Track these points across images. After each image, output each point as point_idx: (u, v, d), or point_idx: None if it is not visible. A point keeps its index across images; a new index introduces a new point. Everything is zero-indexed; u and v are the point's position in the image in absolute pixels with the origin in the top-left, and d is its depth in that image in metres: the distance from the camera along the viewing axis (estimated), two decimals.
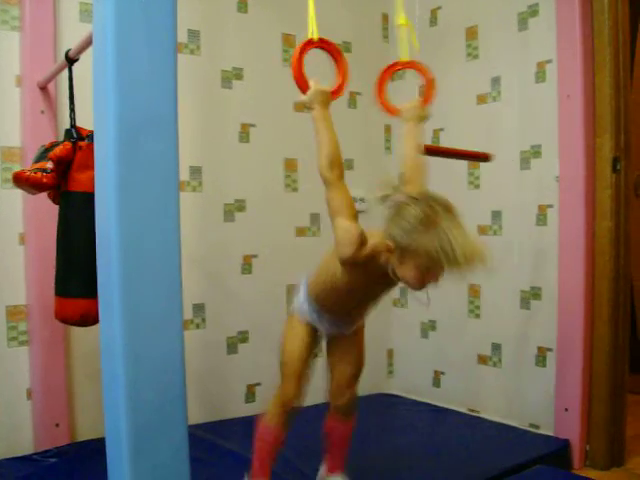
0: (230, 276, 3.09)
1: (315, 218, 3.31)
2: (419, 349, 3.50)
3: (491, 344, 3.11)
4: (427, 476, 2.37)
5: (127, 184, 1.30)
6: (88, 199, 2.03)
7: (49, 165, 2.04)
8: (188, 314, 2.93)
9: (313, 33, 1.94)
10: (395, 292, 3.61)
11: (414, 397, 3.45)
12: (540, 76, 2.87)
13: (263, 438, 2.06)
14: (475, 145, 2.80)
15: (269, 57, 3.19)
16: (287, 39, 3.22)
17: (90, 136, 2.11)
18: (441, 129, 3.30)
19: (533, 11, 2.89)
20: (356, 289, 1.90)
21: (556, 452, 2.61)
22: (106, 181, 1.31)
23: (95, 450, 2.46)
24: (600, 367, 2.65)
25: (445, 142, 3.23)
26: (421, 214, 1.65)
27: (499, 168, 3.01)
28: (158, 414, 1.35)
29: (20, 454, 2.49)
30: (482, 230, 3.13)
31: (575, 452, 2.65)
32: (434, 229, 1.63)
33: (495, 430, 2.87)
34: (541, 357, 2.88)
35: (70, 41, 2.46)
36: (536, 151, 2.88)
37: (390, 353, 3.67)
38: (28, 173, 2.04)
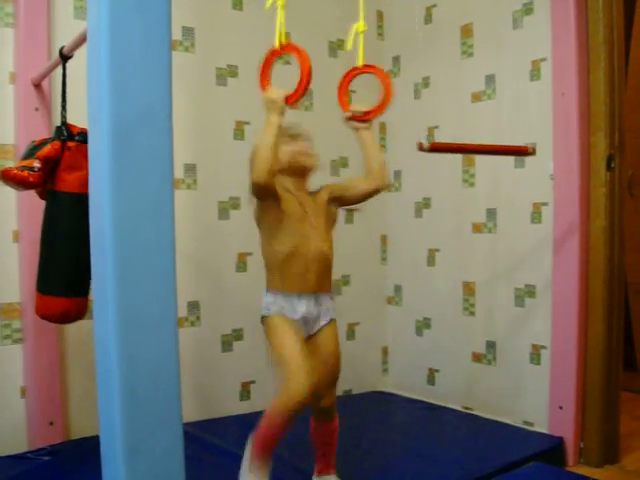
0: (225, 274, 3.09)
1: None
2: (414, 347, 3.50)
3: (486, 342, 3.11)
4: (422, 474, 2.37)
5: (121, 181, 1.30)
6: (73, 200, 2.06)
7: (36, 164, 2.05)
8: (183, 312, 2.93)
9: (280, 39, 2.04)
10: (389, 290, 3.61)
11: (409, 395, 3.46)
12: (535, 74, 2.87)
13: (267, 438, 2.03)
14: (469, 143, 2.81)
15: (264, 54, 3.18)
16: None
17: (81, 134, 2.10)
18: (436, 127, 3.30)
19: (528, 9, 2.89)
20: (295, 230, 2.04)
21: (550, 449, 2.62)
22: (100, 178, 1.31)
23: (89, 448, 2.44)
24: (594, 365, 2.65)
25: (439, 140, 3.23)
26: None
27: (493, 166, 3.01)
28: (153, 412, 1.35)
29: (14, 452, 2.48)
30: (477, 228, 3.14)
31: (569, 449, 2.66)
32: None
33: (489, 428, 2.88)
34: (535, 355, 2.89)
35: (64, 38, 2.45)
36: (532, 147, 2.88)
37: (385, 351, 3.68)
38: (15, 171, 2.04)
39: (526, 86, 2.90)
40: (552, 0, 2.71)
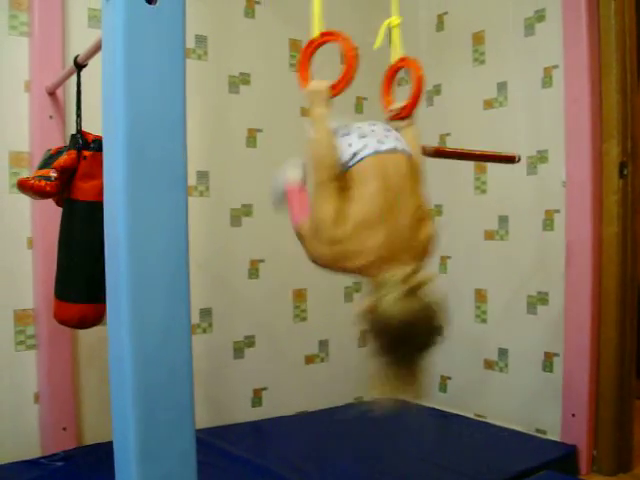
0: (237, 281, 3.10)
1: None
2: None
3: (498, 349, 3.10)
4: None
5: (136, 189, 1.30)
6: (90, 208, 2.08)
7: (53, 174, 2.07)
8: (195, 319, 2.94)
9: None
10: None
11: (421, 402, 3.44)
12: (547, 81, 2.87)
13: None
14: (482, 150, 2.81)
15: (276, 62, 3.20)
16: (294, 44, 3.23)
17: (96, 142, 2.12)
18: (447, 134, 3.30)
19: (540, 16, 2.89)
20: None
21: (563, 457, 2.60)
22: (115, 186, 1.32)
23: (102, 454, 2.47)
24: (607, 372, 2.64)
25: (451, 147, 3.23)
26: (407, 325, 1.56)
27: (506, 173, 3.01)
28: (166, 418, 1.36)
29: (27, 458, 2.49)
30: (489, 235, 3.13)
31: (582, 457, 2.65)
32: (400, 345, 1.58)
33: (502, 435, 2.87)
34: (548, 362, 2.88)
35: (78, 47, 2.47)
36: (543, 156, 2.88)
37: None
38: (32, 181, 2.07)
39: (538, 93, 2.90)
40: (564, 7, 2.71)
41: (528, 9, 2.93)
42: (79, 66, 2.19)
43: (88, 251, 2.11)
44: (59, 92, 2.55)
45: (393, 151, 1.72)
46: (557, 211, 2.82)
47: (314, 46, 1.95)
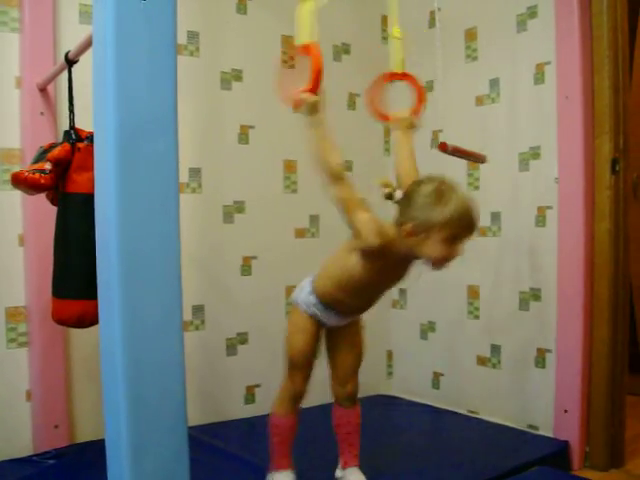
0: (229, 277, 3.09)
1: (314, 219, 3.32)
2: (418, 350, 3.50)
3: (490, 345, 3.11)
4: (426, 477, 2.37)
5: (127, 186, 1.30)
6: (86, 201, 2.04)
7: (47, 166, 2.05)
8: (187, 315, 2.93)
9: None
10: (394, 293, 3.61)
11: (413, 398, 3.45)
12: (539, 77, 2.87)
13: (278, 431, 2.16)
14: (473, 147, 2.80)
15: (268, 58, 3.19)
16: (286, 40, 3.22)
17: (89, 137, 2.11)
18: (440, 130, 3.30)
19: (532, 13, 2.89)
20: (375, 280, 1.97)
21: (555, 453, 2.61)
22: (106, 182, 1.31)
23: (95, 452, 2.46)
24: (599, 368, 2.65)
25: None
26: (433, 189, 1.79)
27: (498, 170, 3.01)
28: (158, 415, 1.35)
29: (19, 456, 2.49)
30: (481, 231, 3.13)
31: (574, 453, 2.65)
32: (450, 199, 1.76)
33: (494, 431, 2.87)
34: (540, 358, 2.88)
35: (69, 42, 2.46)
36: (535, 152, 2.89)
37: (389, 354, 3.67)
38: (26, 174, 2.04)
39: (530, 89, 2.91)
40: (556, 4, 2.71)
41: (520, 5, 2.93)
42: (70, 62, 2.18)
43: (84, 244, 2.05)
44: (50, 88, 2.54)
45: None
46: (549, 207, 2.83)
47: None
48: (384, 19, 3.60)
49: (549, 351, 2.84)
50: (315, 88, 1.88)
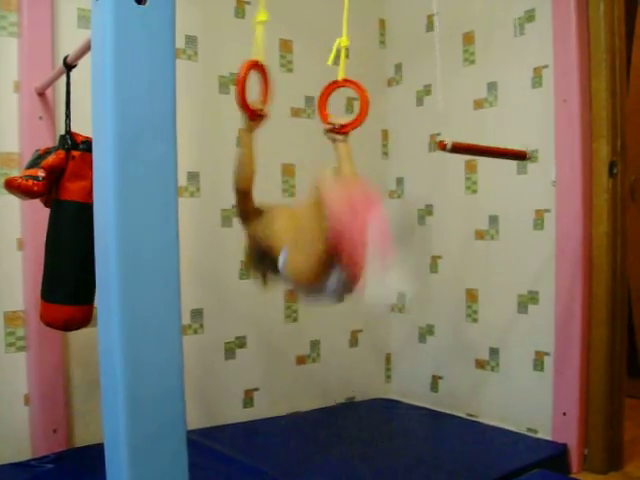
0: (228, 281, 3.09)
1: None
2: (417, 354, 3.50)
3: (489, 348, 3.11)
4: None
5: (126, 189, 1.30)
6: (78, 209, 2.06)
7: (41, 173, 2.05)
8: (186, 319, 2.93)
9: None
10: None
11: (412, 402, 3.45)
12: (537, 81, 2.88)
13: None
14: None
15: (266, 62, 3.19)
16: (284, 44, 3.23)
17: (85, 143, 2.11)
18: (438, 134, 3.30)
19: (530, 16, 2.90)
20: None
21: (554, 456, 2.61)
22: (105, 186, 1.32)
23: (93, 456, 2.46)
24: (598, 371, 2.65)
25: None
26: None
27: (496, 173, 3.02)
28: (157, 420, 1.35)
29: (17, 460, 2.48)
30: (479, 235, 3.14)
31: (573, 456, 2.66)
32: None
33: (493, 434, 2.88)
34: (539, 361, 2.89)
35: (68, 47, 2.46)
36: (533, 156, 2.89)
37: (388, 358, 3.67)
38: (20, 180, 2.05)
39: (528, 93, 2.91)
40: (554, 7, 2.72)
41: (518, 9, 2.94)
42: (69, 66, 2.17)
43: (75, 252, 2.09)
44: (48, 92, 2.54)
45: None
46: (547, 210, 2.83)
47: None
48: (382, 23, 3.61)
49: (547, 354, 2.84)
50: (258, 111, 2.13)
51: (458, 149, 2.40)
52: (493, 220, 3.08)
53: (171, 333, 1.38)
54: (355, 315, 3.47)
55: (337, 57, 2.31)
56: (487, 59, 3.11)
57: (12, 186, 2.06)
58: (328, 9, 3.38)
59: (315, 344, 3.36)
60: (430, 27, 3.38)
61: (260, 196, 3.16)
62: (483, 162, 3.08)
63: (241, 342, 3.13)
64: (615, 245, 2.64)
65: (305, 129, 3.27)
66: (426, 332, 3.44)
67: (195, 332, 2.99)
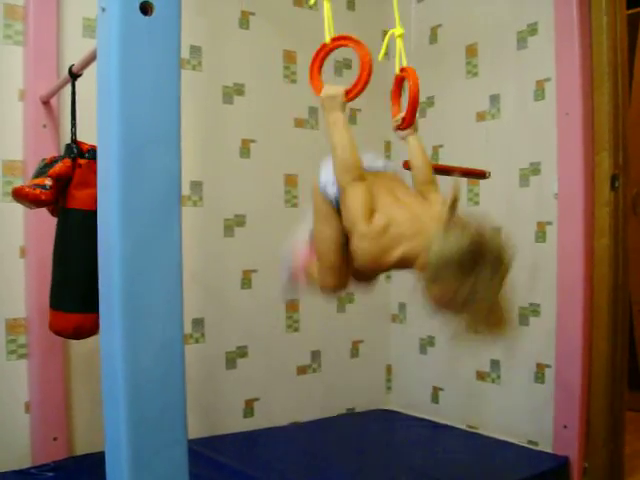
0: (229, 291, 3.10)
1: None
2: (418, 365, 3.49)
3: (490, 360, 3.11)
4: None
5: (130, 198, 1.31)
6: (86, 217, 2.07)
7: (48, 182, 2.06)
8: (187, 329, 2.93)
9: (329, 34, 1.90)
10: (394, 308, 3.61)
11: (413, 413, 3.44)
12: (539, 94, 2.89)
13: None
14: (474, 162, 2.82)
15: (270, 73, 3.21)
16: (288, 55, 3.24)
17: (90, 151, 2.12)
18: (440, 146, 3.31)
19: (532, 29, 2.91)
20: None
21: (555, 469, 2.61)
22: (109, 195, 1.32)
23: (93, 464, 2.46)
24: (599, 384, 2.65)
25: (444, 159, 3.24)
26: (468, 250, 1.52)
27: (498, 185, 3.02)
28: (159, 429, 1.35)
29: (18, 468, 2.48)
30: None
31: (574, 469, 2.65)
32: (472, 272, 1.52)
33: (494, 447, 2.87)
34: (540, 374, 2.88)
35: (73, 56, 2.48)
36: (535, 168, 2.90)
37: (389, 369, 3.67)
38: (27, 189, 2.06)
39: (530, 106, 2.92)
40: (556, 21, 2.73)
41: (521, 22, 2.95)
42: (74, 75, 2.19)
43: (83, 259, 2.09)
44: (53, 101, 2.55)
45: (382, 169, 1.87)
46: (549, 223, 2.84)
47: (326, 51, 1.98)
48: (384, 33, 3.62)
49: (549, 366, 2.83)
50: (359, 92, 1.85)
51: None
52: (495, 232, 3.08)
53: (173, 342, 1.38)
54: (356, 326, 3.47)
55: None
56: (490, 71, 3.12)
57: (20, 195, 2.08)
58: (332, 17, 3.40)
59: (316, 354, 3.36)
60: (434, 39, 3.40)
61: (262, 206, 3.18)
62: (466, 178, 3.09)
63: (242, 352, 3.13)
64: (617, 258, 2.64)
65: (309, 140, 3.29)
66: (427, 343, 3.44)
67: (196, 341, 2.99)
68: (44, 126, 2.54)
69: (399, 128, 2.05)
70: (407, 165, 2.08)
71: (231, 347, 3.10)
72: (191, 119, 2.85)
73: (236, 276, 3.11)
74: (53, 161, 2.13)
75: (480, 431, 3.11)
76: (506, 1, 3.04)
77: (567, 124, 2.68)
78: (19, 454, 2.55)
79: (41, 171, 2.13)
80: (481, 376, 3.15)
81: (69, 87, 2.23)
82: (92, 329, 2.15)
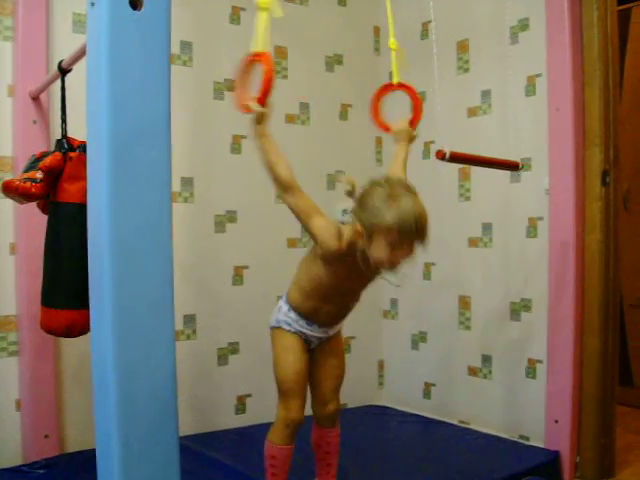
0: (221, 287, 3.09)
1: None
2: (410, 361, 3.50)
3: (481, 356, 3.11)
4: None
5: (120, 195, 1.30)
6: (77, 210, 2.04)
7: (38, 175, 2.04)
8: (179, 325, 2.93)
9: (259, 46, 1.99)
10: (386, 303, 3.61)
11: (405, 409, 3.45)
12: (530, 89, 2.89)
13: (274, 459, 2.07)
14: None
15: (261, 69, 3.20)
16: (279, 51, 3.23)
17: (81, 147, 2.11)
18: (431, 141, 3.31)
19: (523, 25, 2.91)
20: (343, 283, 1.98)
21: (546, 464, 2.61)
22: (99, 191, 1.31)
23: (84, 462, 2.46)
24: (590, 379, 2.66)
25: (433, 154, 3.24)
26: (384, 193, 1.76)
27: (489, 181, 3.02)
28: (149, 426, 1.35)
29: (8, 466, 2.47)
30: (472, 242, 3.15)
31: (565, 464, 2.66)
32: (397, 204, 1.73)
33: (485, 442, 2.87)
34: (531, 369, 2.89)
35: (62, 51, 2.47)
36: (526, 164, 2.90)
37: (381, 364, 3.67)
38: (17, 182, 2.04)
39: (521, 101, 2.92)
40: (548, 16, 2.73)
41: (512, 18, 2.95)
42: (63, 71, 2.17)
43: (74, 254, 2.06)
44: (43, 97, 2.54)
45: None
46: (540, 218, 2.84)
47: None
48: (376, 30, 3.62)
49: (540, 361, 2.84)
50: (264, 98, 1.91)
51: (455, 159, 2.42)
52: (486, 228, 3.09)
53: (164, 338, 1.38)
54: (347, 322, 3.46)
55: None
56: (481, 67, 3.12)
57: (10, 189, 2.05)
58: (322, 16, 3.40)
59: None
60: (425, 35, 3.40)
61: (252, 202, 3.18)
62: (476, 170, 3.09)
63: (234, 348, 3.13)
64: (608, 253, 2.65)
65: (300, 135, 3.28)
66: (419, 339, 3.44)
67: (188, 338, 2.98)
68: (34, 122, 2.53)
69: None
70: (441, 154, 2.22)
71: (223, 343, 3.10)
72: (182, 115, 2.84)
73: (227, 272, 3.11)
74: (43, 156, 2.12)
75: (472, 426, 3.12)
76: None
77: (558, 119, 2.69)
78: (10, 452, 2.54)
79: (31, 166, 2.11)
80: (473, 371, 3.16)
81: (59, 83, 2.22)
82: (85, 326, 2.11)
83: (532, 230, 2.89)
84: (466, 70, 3.19)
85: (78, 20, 2.68)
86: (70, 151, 2.11)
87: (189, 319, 2.98)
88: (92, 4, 1.32)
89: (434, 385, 3.37)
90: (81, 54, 1.95)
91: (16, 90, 2.53)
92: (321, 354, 2.14)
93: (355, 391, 3.52)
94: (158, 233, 1.36)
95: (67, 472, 2.43)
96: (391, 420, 3.30)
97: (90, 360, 1.40)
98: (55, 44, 2.61)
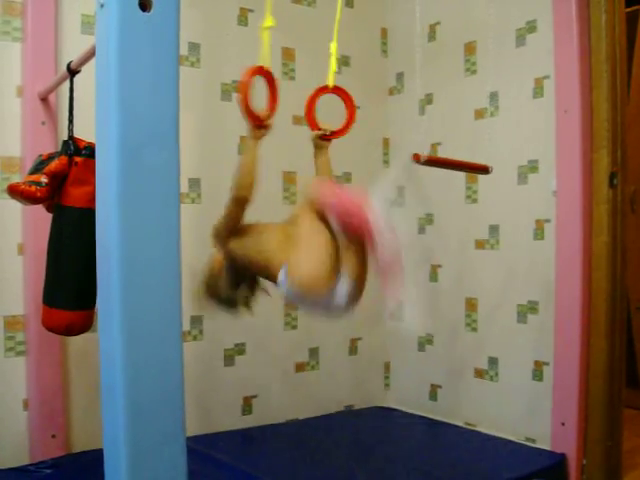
0: None
1: None
2: (416, 362, 3.50)
3: (488, 358, 3.11)
4: None
5: (128, 196, 1.30)
6: (81, 214, 2.06)
7: (43, 179, 2.06)
8: (186, 326, 2.93)
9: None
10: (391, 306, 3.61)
11: (411, 410, 3.45)
12: (538, 91, 2.89)
13: None
14: (472, 160, 2.81)
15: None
16: (287, 52, 3.24)
17: (87, 148, 2.11)
18: (439, 143, 3.31)
19: (531, 27, 2.91)
20: None
21: (553, 466, 2.61)
22: (107, 192, 1.32)
23: (91, 461, 2.46)
24: (597, 381, 2.65)
25: (443, 156, 3.24)
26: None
27: (497, 183, 3.02)
28: (157, 426, 1.35)
29: (15, 465, 2.48)
30: (479, 244, 3.14)
31: (572, 466, 2.65)
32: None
33: (491, 444, 2.87)
34: (538, 371, 2.89)
35: (71, 53, 2.47)
36: (533, 166, 2.90)
37: (387, 366, 3.67)
38: (22, 186, 2.06)
39: (529, 103, 2.92)
40: (555, 18, 2.73)
41: (519, 20, 2.95)
42: (72, 72, 2.18)
43: (77, 257, 2.09)
44: (51, 98, 2.55)
45: None
46: (547, 220, 2.84)
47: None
48: (384, 32, 3.62)
49: (547, 364, 2.84)
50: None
51: (430, 162, 2.45)
52: (493, 230, 3.09)
53: (171, 339, 1.38)
54: (354, 323, 3.47)
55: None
56: (488, 69, 3.11)
57: (15, 192, 2.07)
58: (330, 17, 3.39)
59: (314, 352, 3.36)
60: (432, 37, 3.40)
61: (261, 203, 3.17)
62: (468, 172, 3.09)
63: (240, 349, 3.13)
64: (615, 255, 2.65)
65: (307, 137, 3.28)
66: (425, 341, 3.44)
67: (195, 339, 2.99)
68: (42, 123, 2.54)
69: (326, 138, 2.32)
70: (417, 158, 2.23)
71: (229, 344, 3.10)
72: (189, 116, 2.84)
73: None
74: (50, 158, 2.13)
75: (478, 428, 3.11)
76: None
77: (566, 121, 2.68)
78: (17, 451, 2.55)
79: (37, 168, 2.12)
80: (479, 373, 3.15)
81: (67, 84, 2.23)
82: (84, 326, 2.18)
83: (539, 232, 2.88)
84: (473, 72, 3.18)
85: (87, 21, 2.69)
86: (76, 152, 2.12)
87: (196, 320, 2.99)
88: (101, 5, 1.32)
89: (440, 387, 3.37)
90: (90, 55, 1.95)
91: (25, 91, 2.54)
92: None
93: (361, 392, 3.53)
94: (166, 234, 1.37)
95: (73, 472, 2.44)
96: (397, 421, 3.30)
97: (98, 361, 1.40)
98: (64, 45, 2.62)
